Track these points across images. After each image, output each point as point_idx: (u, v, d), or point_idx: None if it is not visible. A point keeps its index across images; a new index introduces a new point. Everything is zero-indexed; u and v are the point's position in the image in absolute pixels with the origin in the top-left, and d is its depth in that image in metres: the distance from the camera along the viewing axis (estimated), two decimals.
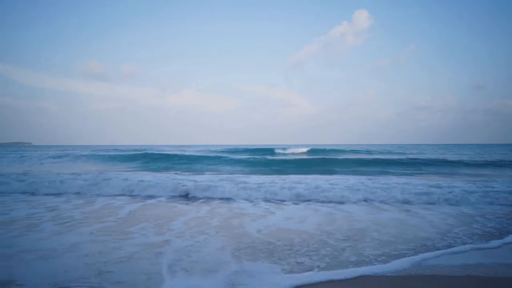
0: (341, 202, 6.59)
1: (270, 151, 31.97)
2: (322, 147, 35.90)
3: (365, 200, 6.73)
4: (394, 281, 2.89)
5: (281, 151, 31.44)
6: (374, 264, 3.24)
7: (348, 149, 34.20)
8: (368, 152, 30.41)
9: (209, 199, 6.99)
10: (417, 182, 8.87)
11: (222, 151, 30.68)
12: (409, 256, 3.49)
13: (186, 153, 24.09)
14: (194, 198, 7.08)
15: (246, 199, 6.87)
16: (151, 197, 7.19)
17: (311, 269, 3.10)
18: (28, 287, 2.67)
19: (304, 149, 32.07)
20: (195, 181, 8.66)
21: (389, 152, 30.70)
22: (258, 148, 34.07)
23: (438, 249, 3.73)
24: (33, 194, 7.59)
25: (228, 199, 6.93)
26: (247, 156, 22.60)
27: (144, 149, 35.40)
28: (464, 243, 3.96)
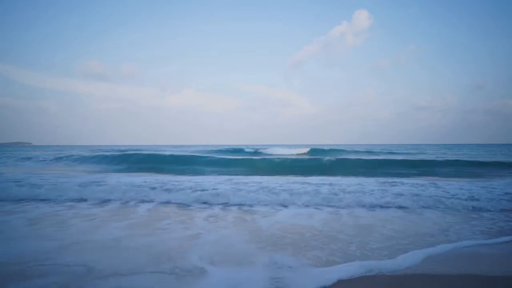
0: (339, 206, 6.51)
1: (270, 150, 31.97)
2: (321, 147, 35.91)
3: (361, 203, 6.67)
4: (394, 280, 2.92)
5: (281, 152, 31.48)
6: (383, 260, 3.44)
7: (349, 149, 34.32)
8: (369, 152, 30.61)
9: (213, 199, 6.86)
10: (417, 182, 9.15)
11: (219, 151, 30.73)
12: (416, 250, 3.71)
13: (185, 154, 23.86)
14: (199, 199, 6.93)
15: (249, 199, 6.88)
16: (151, 201, 6.85)
17: (333, 263, 3.33)
18: (109, 272, 3.04)
19: (305, 150, 32.12)
20: (196, 182, 8.96)
21: (391, 153, 30.92)
22: (256, 150, 33.36)
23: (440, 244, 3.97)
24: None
25: (231, 199, 6.90)
26: (244, 157, 22.49)
27: (140, 149, 35.02)
28: (467, 239, 4.20)
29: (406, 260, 3.39)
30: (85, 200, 6.88)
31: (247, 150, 33.13)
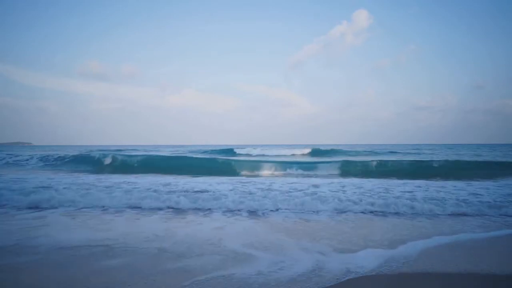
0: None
1: (266, 151, 31.65)
2: (321, 148, 35.76)
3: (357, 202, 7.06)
4: (394, 279, 2.99)
5: (277, 152, 30.88)
6: (383, 248, 3.84)
7: (350, 150, 34.32)
8: (371, 152, 30.67)
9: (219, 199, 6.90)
10: (412, 183, 9.44)
11: (212, 152, 30.67)
12: (414, 241, 4.13)
13: (175, 154, 23.39)
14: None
15: (249, 199, 6.94)
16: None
17: (349, 250, 3.77)
18: (175, 255, 3.65)
19: (305, 150, 31.90)
20: (196, 182, 9.43)
21: (392, 153, 31.00)
22: (248, 152, 31.94)
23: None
24: None
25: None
26: (236, 158, 22.24)
27: (135, 149, 34.18)
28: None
29: (407, 250, 3.77)
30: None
31: (237, 151, 31.77)
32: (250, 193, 7.52)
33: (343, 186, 8.59)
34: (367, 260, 3.45)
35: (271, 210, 6.17)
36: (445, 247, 3.90)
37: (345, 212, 6.01)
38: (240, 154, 29.64)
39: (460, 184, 9.30)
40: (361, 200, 6.67)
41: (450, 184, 9.17)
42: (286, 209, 6.29)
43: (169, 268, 3.26)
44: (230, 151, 32.03)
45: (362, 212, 6.01)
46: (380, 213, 5.92)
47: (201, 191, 7.79)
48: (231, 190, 8.03)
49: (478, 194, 7.44)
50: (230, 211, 6.09)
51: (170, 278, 3.03)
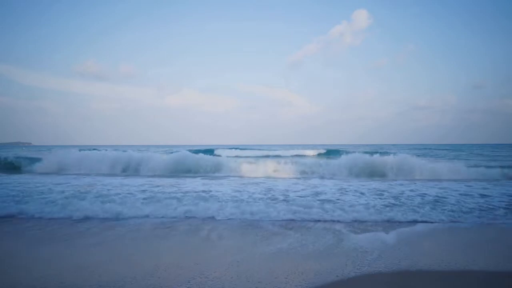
0: None
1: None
2: (325, 148, 35.53)
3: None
4: (394, 278, 2.93)
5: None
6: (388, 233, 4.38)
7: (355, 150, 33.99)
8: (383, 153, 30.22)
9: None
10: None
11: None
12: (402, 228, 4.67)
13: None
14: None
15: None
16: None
17: (356, 232, 4.43)
18: (226, 234, 4.36)
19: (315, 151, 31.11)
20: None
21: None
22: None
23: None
24: None
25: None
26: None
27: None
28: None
29: (399, 235, 4.31)
30: None
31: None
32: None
33: None
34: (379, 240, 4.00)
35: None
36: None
37: None
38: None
39: None
40: None
41: None
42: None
43: (219, 244, 3.96)
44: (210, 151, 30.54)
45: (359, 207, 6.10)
46: None
47: None
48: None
49: None
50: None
51: (222, 253, 3.59)
